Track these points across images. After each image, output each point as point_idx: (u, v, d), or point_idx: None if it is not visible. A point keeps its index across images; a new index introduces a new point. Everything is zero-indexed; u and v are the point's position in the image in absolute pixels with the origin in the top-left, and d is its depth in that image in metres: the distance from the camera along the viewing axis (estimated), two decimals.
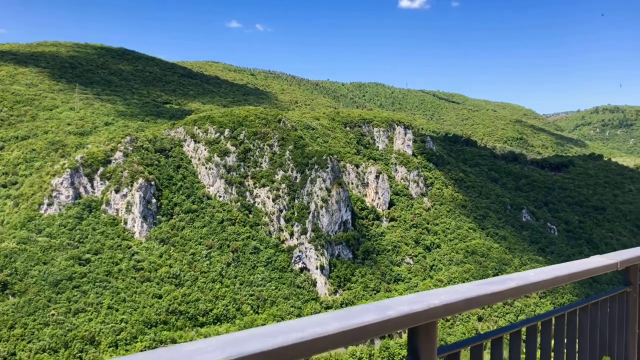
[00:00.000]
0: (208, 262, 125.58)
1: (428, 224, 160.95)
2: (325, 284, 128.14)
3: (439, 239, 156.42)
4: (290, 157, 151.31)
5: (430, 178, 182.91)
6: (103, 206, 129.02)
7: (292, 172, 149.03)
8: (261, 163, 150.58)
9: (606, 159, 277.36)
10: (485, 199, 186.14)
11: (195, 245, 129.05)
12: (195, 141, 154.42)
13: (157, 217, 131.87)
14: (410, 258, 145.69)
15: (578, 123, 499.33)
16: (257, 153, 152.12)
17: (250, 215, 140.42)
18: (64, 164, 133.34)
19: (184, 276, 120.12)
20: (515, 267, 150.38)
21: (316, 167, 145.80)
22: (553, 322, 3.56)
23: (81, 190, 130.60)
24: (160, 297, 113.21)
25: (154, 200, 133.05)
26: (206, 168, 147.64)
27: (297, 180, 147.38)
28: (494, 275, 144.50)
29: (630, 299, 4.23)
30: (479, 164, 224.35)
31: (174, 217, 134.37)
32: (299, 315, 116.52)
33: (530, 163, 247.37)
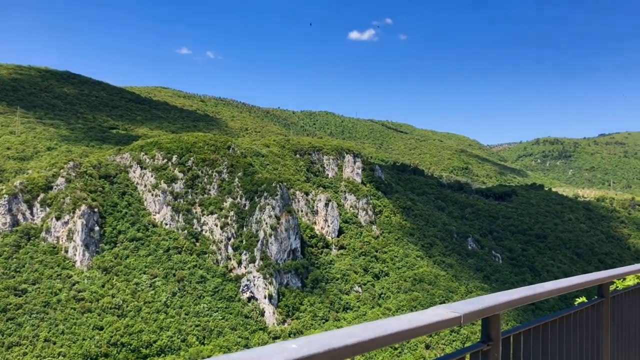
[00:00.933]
0: (153, 291, 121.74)
1: (377, 252, 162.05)
2: (274, 313, 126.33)
3: (388, 267, 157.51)
4: (239, 184, 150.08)
5: (379, 206, 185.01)
6: (42, 234, 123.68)
7: (241, 199, 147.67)
8: (209, 190, 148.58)
9: (547, 189, 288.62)
10: (432, 227, 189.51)
11: (140, 274, 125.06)
12: (141, 167, 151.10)
13: (100, 245, 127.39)
14: (359, 286, 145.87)
15: (520, 154, 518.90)
16: (205, 180, 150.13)
17: (197, 244, 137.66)
18: (2, 189, 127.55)
19: (127, 306, 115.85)
20: (461, 294, 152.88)
21: (265, 194, 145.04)
22: (532, 333, 3.82)
23: (19, 217, 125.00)
24: (101, 328, 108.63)
25: (97, 228, 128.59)
26: (152, 195, 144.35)
27: (246, 208, 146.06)
28: (440, 303, 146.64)
29: (603, 310, 4.96)
30: (426, 193, 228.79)
31: (117, 245, 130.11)
32: (246, 346, 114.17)
33: (475, 192, 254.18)
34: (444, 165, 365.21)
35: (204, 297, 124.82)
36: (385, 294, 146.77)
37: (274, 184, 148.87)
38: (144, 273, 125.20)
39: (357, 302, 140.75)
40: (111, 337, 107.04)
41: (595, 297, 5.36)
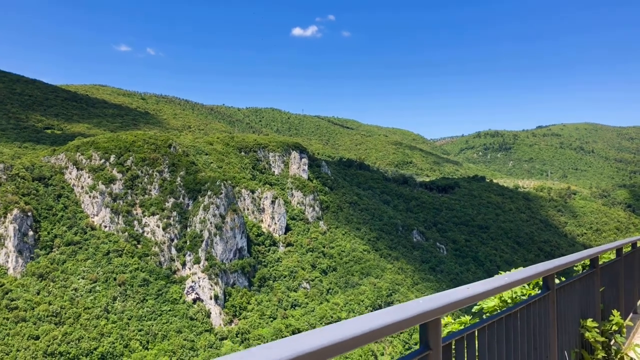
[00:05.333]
0: (92, 297, 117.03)
1: (324, 247, 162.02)
2: (220, 314, 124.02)
3: (335, 262, 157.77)
4: (181, 184, 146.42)
5: (326, 202, 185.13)
6: None
7: (183, 199, 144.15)
8: (150, 190, 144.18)
9: (488, 181, 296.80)
10: (379, 220, 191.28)
11: (78, 279, 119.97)
12: (78, 168, 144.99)
13: (35, 250, 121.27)
14: (307, 283, 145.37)
15: (462, 147, 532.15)
16: (145, 180, 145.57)
17: (139, 246, 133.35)
18: None
19: (65, 313, 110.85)
20: (407, 286, 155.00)
21: (209, 193, 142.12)
22: (486, 329, 3.76)
23: None
24: (37, 337, 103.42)
25: (30, 233, 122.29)
26: (90, 197, 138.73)
27: (189, 208, 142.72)
28: (387, 296, 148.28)
29: (549, 301, 5.25)
30: (372, 187, 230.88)
31: (53, 250, 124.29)
32: (192, 349, 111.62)
33: (419, 185, 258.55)
34: (389, 159, 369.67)
35: (147, 300, 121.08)
36: (333, 289, 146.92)
37: (218, 183, 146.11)
38: (83, 278, 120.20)
39: (305, 298, 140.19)
40: (48, 346, 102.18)
41: (540, 290, 5.66)
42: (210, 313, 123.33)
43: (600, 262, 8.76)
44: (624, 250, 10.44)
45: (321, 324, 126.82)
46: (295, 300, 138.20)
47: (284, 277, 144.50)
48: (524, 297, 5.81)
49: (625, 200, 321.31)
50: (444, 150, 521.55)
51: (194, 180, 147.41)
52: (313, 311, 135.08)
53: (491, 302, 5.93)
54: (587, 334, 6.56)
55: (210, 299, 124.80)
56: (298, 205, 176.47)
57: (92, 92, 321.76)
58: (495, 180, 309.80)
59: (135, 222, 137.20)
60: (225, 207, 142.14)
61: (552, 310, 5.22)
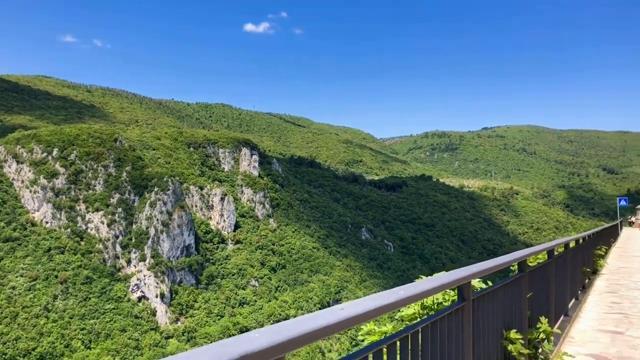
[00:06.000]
0: (31, 295, 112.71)
1: (273, 245, 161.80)
2: (166, 312, 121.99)
3: (284, 259, 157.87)
4: (127, 179, 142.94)
5: (276, 199, 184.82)
6: None
7: (129, 195, 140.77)
8: (95, 185, 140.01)
9: (435, 180, 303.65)
10: (328, 218, 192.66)
11: (16, 277, 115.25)
12: (17, 162, 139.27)
13: None
14: (255, 280, 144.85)
15: (411, 147, 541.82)
16: (90, 175, 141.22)
17: (82, 243, 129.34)
18: None
19: (2, 313, 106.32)
20: (355, 283, 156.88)
21: (156, 189, 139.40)
22: (398, 344, 3.50)
23: None
24: None
25: None
26: (31, 191, 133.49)
27: (135, 204, 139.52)
28: (336, 293, 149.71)
29: (465, 313, 4.77)
30: (322, 185, 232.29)
31: None
32: (136, 348, 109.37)
33: (368, 184, 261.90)
34: (340, 158, 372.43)
35: (89, 298, 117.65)
36: (281, 286, 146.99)
37: (165, 179, 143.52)
38: (21, 276, 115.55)
39: (254, 296, 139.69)
40: None
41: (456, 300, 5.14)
42: (156, 311, 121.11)
43: (534, 264, 8.50)
44: (556, 251, 10.15)
45: (269, 322, 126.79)
46: (243, 298, 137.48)
47: (233, 275, 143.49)
48: (447, 304, 5.51)
49: (564, 200, 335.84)
50: (393, 149, 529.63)
51: (141, 175, 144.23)
52: (261, 309, 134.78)
53: (410, 310, 5.63)
54: (509, 347, 6.01)
55: (156, 297, 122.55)
56: (248, 202, 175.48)
57: (35, 83, 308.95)
58: (441, 180, 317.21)
59: (79, 218, 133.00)
60: (172, 203, 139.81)
61: (468, 324, 4.75)
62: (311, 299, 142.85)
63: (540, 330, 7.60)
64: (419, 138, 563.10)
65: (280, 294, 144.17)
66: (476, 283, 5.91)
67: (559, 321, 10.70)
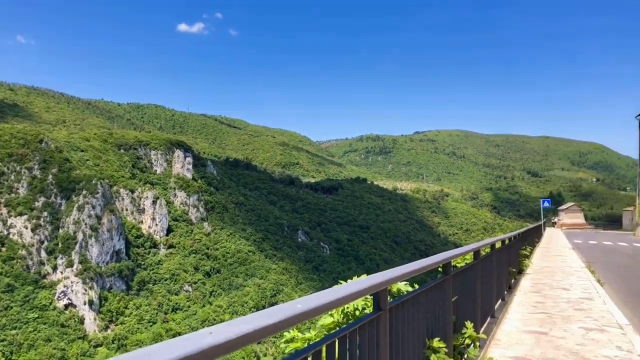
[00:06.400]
0: None
1: (208, 249, 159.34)
2: (95, 320, 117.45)
3: (219, 263, 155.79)
4: (53, 182, 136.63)
5: (211, 202, 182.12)
6: None
7: (55, 198, 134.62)
8: (18, 189, 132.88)
9: (369, 182, 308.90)
10: (265, 221, 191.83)
11: None
12: None
13: None
14: (189, 285, 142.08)
15: (346, 150, 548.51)
16: (12, 177, 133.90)
17: (4, 249, 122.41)
18: None
19: None
20: (291, 286, 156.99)
21: (84, 192, 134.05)
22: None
23: None
24: None
25: None
26: None
27: (62, 208, 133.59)
28: (271, 297, 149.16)
29: (381, 323, 4.30)
30: (258, 188, 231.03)
31: None
32: (62, 358, 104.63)
33: (305, 186, 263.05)
34: (277, 160, 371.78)
35: (11, 307, 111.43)
36: (216, 291, 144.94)
37: (94, 181, 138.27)
38: None
39: (187, 301, 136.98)
40: None
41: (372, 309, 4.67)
42: (84, 319, 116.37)
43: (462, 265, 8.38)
44: (482, 252, 9.92)
45: (203, 327, 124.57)
46: (176, 303, 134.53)
47: (165, 280, 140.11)
48: (367, 311, 5.00)
49: (491, 202, 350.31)
50: (329, 152, 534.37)
51: (68, 178, 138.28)
52: (195, 314, 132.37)
53: (328, 319, 5.12)
54: (432, 357, 5.51)
55: (85, 304, 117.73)
56: (181, 205, 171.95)
57: None
58: (375, 182, 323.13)
59: (0, 223, 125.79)
60: (101, 207, 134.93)
61: (385, 335, 4.31)
62: (246, 303, 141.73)
63: (466, 335, 7.33)
64: (354, 141, 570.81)
65: (215, 298, 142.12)
66: (402, 286, 5.56)
67: (486, 323, 10.63)
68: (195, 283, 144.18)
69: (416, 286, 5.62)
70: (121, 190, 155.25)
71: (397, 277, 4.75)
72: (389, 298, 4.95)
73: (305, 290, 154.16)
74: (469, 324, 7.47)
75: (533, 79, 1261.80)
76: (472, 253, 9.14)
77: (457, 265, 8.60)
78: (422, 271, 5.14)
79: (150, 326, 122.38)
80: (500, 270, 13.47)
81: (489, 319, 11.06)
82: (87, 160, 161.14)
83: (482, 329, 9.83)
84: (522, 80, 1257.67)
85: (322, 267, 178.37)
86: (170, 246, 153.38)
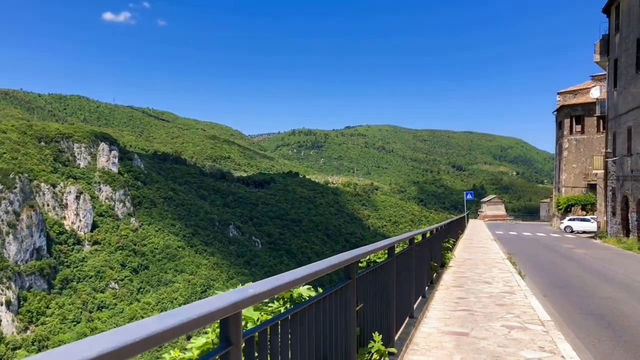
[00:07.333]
0: None
1: (135, 245, 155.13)
2: (13, 321, 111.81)
3: (147, 259, 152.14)
4: None
5: (138, 197, 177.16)
6: None
7: None
8: None
9: (302, 177, 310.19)
10: (195, 216, 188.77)
11: None
12: None
13: None
14: (115, 283, 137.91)
15: (279, 144, 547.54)
16: None
17: None
18: None
19: None
20: (222, 281, 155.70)
21: (1, 187, 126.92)
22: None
23: None
24: None
25: None
26: None
27: None
28: (202, 292, 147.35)
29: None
30: (188, 182, 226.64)
31: None
32: None
33: (237, 180, 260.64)
34: (207, 154, 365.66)
35: None
36: (144, 288, 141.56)
37: (11, 175, 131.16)
38: None
39: (114, 299, 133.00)
40: None
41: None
42: (1, 321, 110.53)
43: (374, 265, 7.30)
44: (397, 248, 8.85)
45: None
46: (102, 302, 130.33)
47: (90, 278, 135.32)
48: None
49: (418, 195, 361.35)
50: (261, 146, 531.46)
51: None
52: (122, 312, 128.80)
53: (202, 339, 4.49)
54: None
55: (1, 305, 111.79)
56: (107, 200, 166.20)
57: None
58: (307, 176, 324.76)
59: None
60: (20, 202, 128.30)
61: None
62: (176, 299, 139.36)
63: (373, 350, 6.22)
64: (286, 135, 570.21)
65: (143, 295, 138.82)
66: (305, 291, 4.84)
67: (403, 325, 9.83)
68: (122, 280, 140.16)
69: (320, 290, 4.91)
70: (42, 184, 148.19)
71: (363, 253, 5.06)
72: (282, 307, 4.82)
73: (236, 284, 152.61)
74: (377, 336, 6.40)
75: (455, 75, 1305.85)
76: (385, 250, 8.13)
77: (377, 261, 8.27)
78: (316, 275, 3.94)
79: (74, 325, 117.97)
80: (421, 266, 12.79)
81: (407, 319, 10.38)
82: (4, 153, 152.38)
83: (398, 334, 9.03)
84: (444, 76, 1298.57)
85: (254, 262, 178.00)
86: (95, 242, 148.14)
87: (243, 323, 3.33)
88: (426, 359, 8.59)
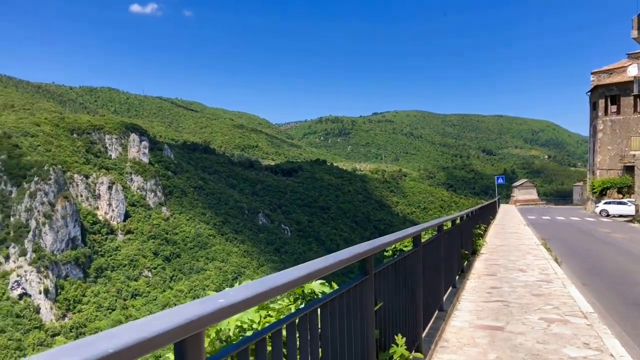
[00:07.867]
0: None
1: (167, 234, 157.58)
2: (52, 309, 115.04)
3: (179, 248, 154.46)
4: (2, 169, 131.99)
5: (169, 187, 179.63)
6: None
7: (6, 185, 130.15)
8: None
9: (329, 164, 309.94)
10: (224, 205, 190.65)
11: None
12: None
13: None
14: (148, 271, 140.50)
15: (306, 132, 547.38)
16: None
17: None
18: None
19: None
20: (253, 268, 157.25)
21: (36, 179, 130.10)
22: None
23: None
24: None
25: None
26: None
27: (13, 195, 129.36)
28: (233, 279, 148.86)
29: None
30: (217, 171, 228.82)
31: None
32: (18, 349, 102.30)
33: (265, 169, 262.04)
34: (235, 143, 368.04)
35: None
36: (177, 276, 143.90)
37: (46, 167, 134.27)
38: None
39: (147, 287, 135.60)
40: None
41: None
42: (40, 308, 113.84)
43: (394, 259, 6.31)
44: (423, 236, 7.82)
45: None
46: (136, 289, 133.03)
47: (124, 267, 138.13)
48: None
49: (447, 180, 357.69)
50: (288, 134, 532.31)
51: (18, 164, 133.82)
52: (156, 300, 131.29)
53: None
54: None
55: (40, 293, 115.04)
56: (138, 190, 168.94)
57: None
58: (335, 164, 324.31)
59: None
60: (55, 193, 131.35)
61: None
62: (208, 286, 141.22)
63: (396, 356, 5.40)
64: (313, 123, 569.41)
65: (176, 283, 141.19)
66: (317, 286, 4.17)
67: (432, 320, 9.07)
68: (155, 268, 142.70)
69: (335, 286, 4.24)
70: (75, 176, 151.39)
71: (379, 245, 4.51)
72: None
73: (267, 272, 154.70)
74: (399, 339, 5.58)
75: (486, 59, 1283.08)
76: (411, 239, 7.36)
77: (404, 250, 7.65)
78: (321, 274, 3.17)
79: (110, 313, 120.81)
80: (451, 254, 12.16)
81: (436, 312, 9.63)
82: (39, 145, 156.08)
83: (426, 330, 8.30)
84: (476, 60, 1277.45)
85: (283, 249, 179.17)
86: (128, 232, 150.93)
87: (240, 330, 3.21)
88: (457, 359, 7.78)
